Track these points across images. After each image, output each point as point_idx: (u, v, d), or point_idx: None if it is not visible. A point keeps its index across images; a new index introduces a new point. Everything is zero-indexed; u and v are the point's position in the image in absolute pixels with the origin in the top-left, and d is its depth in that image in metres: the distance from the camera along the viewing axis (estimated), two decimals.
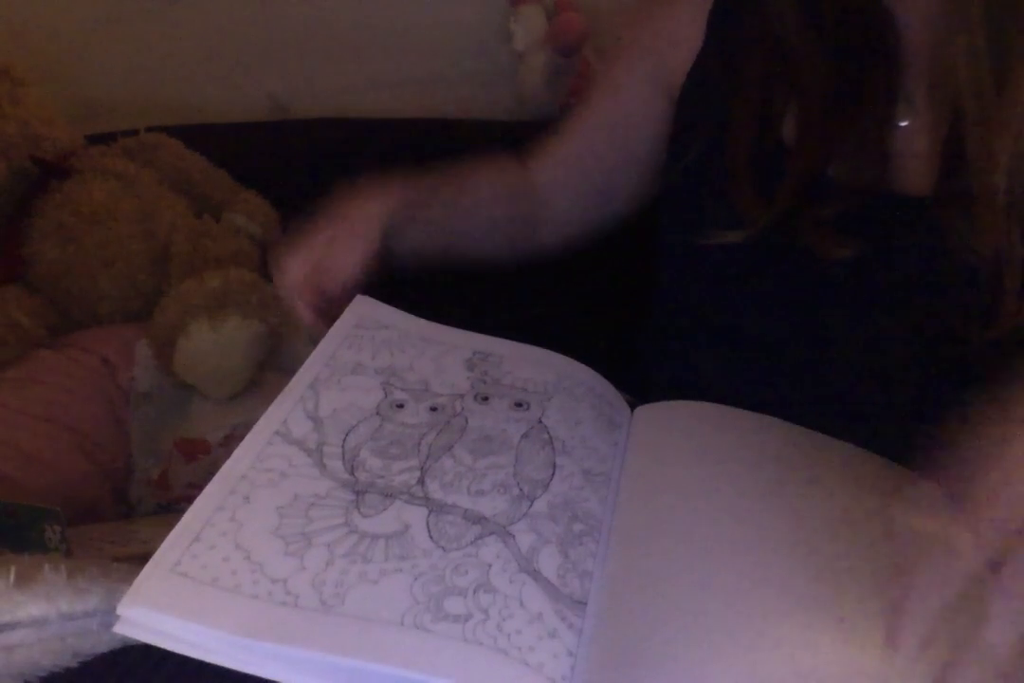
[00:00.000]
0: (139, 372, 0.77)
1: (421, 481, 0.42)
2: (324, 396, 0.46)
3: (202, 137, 0.97)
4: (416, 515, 0.41)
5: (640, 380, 0.61)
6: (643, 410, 0.53)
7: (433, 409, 0.47)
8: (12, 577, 0.39)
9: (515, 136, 0.70)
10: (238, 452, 0.42)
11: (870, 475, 0.49)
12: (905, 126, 0.52)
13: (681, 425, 0.51)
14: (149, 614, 0.34)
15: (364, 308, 0.54)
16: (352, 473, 0.42)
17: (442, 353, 0.52)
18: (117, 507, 0.72)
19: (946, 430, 0.38)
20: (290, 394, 0.46)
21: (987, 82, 0.46)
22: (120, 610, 0.34)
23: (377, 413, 0.46)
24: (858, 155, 0.52)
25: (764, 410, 0.51)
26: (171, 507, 0.73)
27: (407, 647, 0.34)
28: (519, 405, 0.49)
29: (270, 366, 0.82)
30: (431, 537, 0.39)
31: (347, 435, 0.44)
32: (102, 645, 0.41)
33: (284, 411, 0.45)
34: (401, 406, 0.47)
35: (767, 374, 0.56)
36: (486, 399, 0.49)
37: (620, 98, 0.65)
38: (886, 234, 0.51)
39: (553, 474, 0.45)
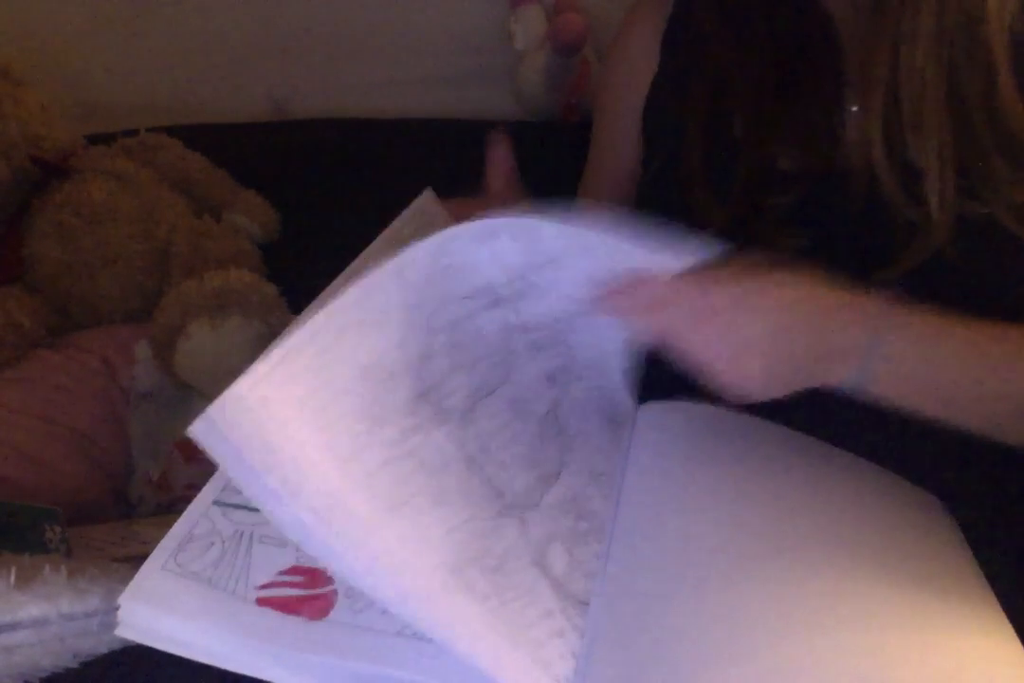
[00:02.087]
0: (139, 372, 0.77)
1: (469, 412, 0.42)
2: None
3: (202, 137, 0.97)
4: (454, 454, 0.40)
5: (641, 380, 0.61)
6: (645, 410, 0.53)
7: (504, 327, 0.45)
8: (12, 578, 0.39)
9: (515, 136, 0.69)
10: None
11: (867, 481, 0.49)
12: (856, 111, 0.53)
13: (682, 426, 0.51)
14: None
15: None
16: (422, 360, 0.41)
17: (577, 283, 0.44)
18: (117, 507, 0.72)
19: None
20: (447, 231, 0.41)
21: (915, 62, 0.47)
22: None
23: (471, 297, 0.44)
24: (808, 143, 0.53)
25: (760, 412, 0.51)
26: (171, 507, 0.73)
27: (436, 603, 0.34)
28: (550, 379, 0.48)
29: None
30: (461, 489, 0.39)
31: (439, 306, 0.42)
32: (102, 646, 0.41)
33: (419, 248, 0.40)
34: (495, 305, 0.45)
35: None
36: (539, 350, 0.47)
37: (618, 152, 0.67)
38: (836, 216, 0.51)
39: (561, 471, 0.45)
